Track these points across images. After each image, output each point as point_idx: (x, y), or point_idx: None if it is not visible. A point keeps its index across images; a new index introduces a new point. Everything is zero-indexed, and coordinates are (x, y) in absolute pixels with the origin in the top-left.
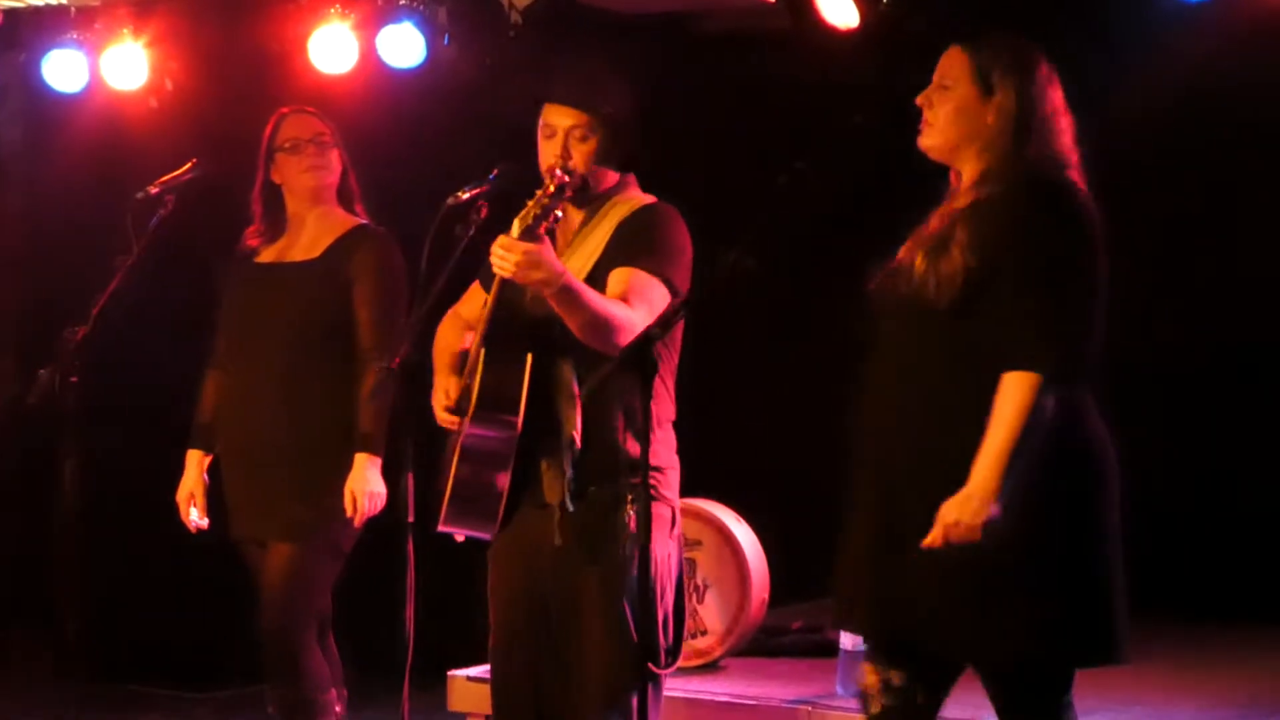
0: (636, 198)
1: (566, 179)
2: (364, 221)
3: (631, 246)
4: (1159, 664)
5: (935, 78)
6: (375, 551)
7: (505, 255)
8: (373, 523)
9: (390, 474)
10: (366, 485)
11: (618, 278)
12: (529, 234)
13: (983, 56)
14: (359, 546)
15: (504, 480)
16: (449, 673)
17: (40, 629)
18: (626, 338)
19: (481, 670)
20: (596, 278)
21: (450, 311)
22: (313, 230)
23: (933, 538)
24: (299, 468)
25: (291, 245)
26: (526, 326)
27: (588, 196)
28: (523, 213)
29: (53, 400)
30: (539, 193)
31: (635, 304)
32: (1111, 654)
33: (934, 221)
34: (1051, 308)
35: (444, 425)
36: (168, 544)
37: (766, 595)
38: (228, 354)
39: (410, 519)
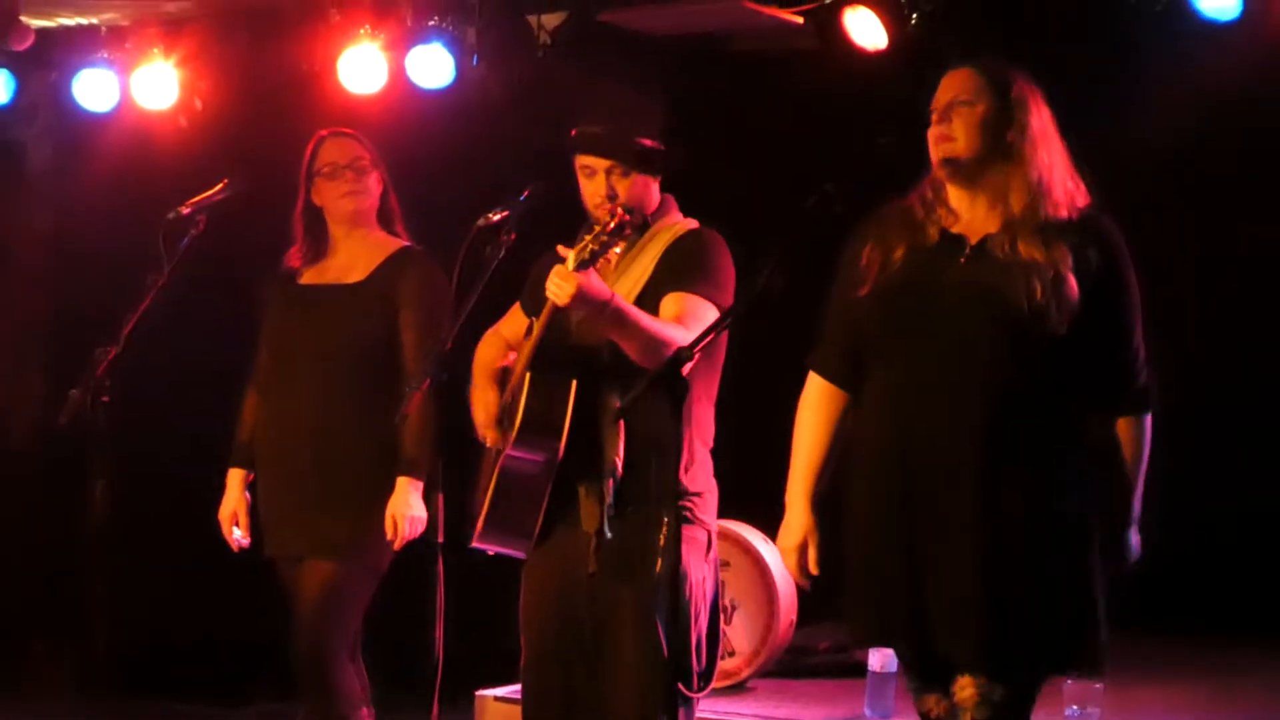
0: (680, 222)
1: (627, 217)
2: (407, 243)
3: (681, 271)
4: (1192, 684)
5: (949, 96)
6: (405, 571)
7: (561, 285)
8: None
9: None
10: (408, 510)
11: (671, 302)
12: (584, 267)
13: (998, 74)
14: (391, 567)
15: (542, 502)
16: (477, 692)
17: (69, 646)
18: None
19: (509, 690)
20: (645, 302)
21: (491, 330)
22: (355, 252)
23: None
24: (337, 487)
25: (334, 267)
26: (573, 353)
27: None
28: (579, 246)
29: (83, 420)
30: (596, 228)
31: (690, 326)
32: (1096, 666)
33: (1001, 237)
34: (1141, 353)
35: (484, 439)
36: (196, 562)
37: (794, 616)
38: (269, 374)
39: (440, 539)
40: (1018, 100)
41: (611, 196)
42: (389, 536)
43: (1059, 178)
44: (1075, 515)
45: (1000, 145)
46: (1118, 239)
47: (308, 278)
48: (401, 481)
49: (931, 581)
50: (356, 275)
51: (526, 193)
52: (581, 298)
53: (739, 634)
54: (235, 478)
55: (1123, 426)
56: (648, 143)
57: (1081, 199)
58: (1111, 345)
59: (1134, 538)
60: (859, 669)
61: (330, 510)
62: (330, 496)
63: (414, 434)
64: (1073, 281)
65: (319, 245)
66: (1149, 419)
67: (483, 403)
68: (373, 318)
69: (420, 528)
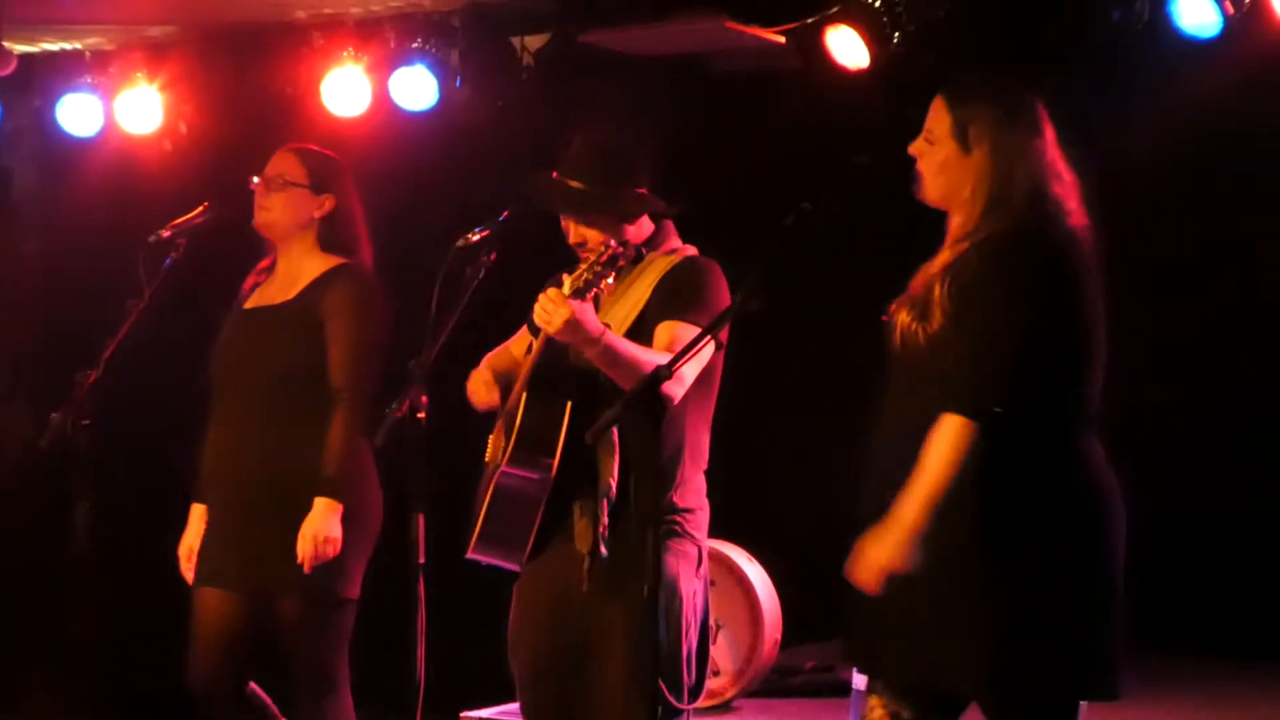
0: (677, 250)
1: (620, 250)
2: (344, 261)
3: (676, 300)
4: (1177, 703)
5: (924, 129)
6: (387, 593)
7: (550, 310)
8: (384, 564)
9: (400, 515)
10: (316, 530)
11: (664, 330)
12: (578, 295)
13: (961, 111)
14: (372, 588)
15: (535, 520)
16: (462, 714)
17: (53, 672)
18: (674, 388)
19: (494, 711)
20: (640, 329)
21: (501, 346)
22: (293, 272)
23: (854, 576)
24: (278, 516)
25: (273, 289)
26: (570, 375)
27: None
28: (574, 274)
29: (65, 444)
30: (591, 257)
31: None
32: (1110, 690)
33: (918, 279)
34: (986, 357)
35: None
36: (180, 588)
37: (779, 635)
38: (217, 402)
39: (420, 560)
40: (980, 137)
41: (580, 244)
42: (299, 558)
43: (1014, 196)
44: (1020, 539)
45: (958, 184)
46: (1005, 248)
47: (252, 301)
48: (317, 501)
49: (913, 615)
50: (288, 296)
51: (506, 213)
52: (573, 327)
53: (724, 654)
54: (197, 512)
55: (938, 422)
56: (628, 192)
57: (1040, 217)
58: (955, 347)
59: (901, 552)
60: (843, 688)
61: (273, 541)
62: (271, 527)
63: (336, 453)
64: (935, 300)
65: (274, 262)
66: (962, 428)
67: (478, 377)
68: (301, 338)
69: (332, 550)
